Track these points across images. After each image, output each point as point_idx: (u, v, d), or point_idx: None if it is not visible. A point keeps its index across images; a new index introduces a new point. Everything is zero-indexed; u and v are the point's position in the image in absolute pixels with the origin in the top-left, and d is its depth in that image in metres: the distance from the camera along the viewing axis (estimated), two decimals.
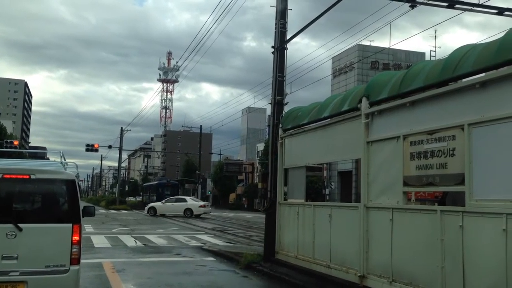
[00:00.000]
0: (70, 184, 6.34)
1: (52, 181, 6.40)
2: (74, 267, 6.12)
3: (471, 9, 10.69)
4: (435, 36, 47.61)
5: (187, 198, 40.92)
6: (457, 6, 10.59)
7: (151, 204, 40.98)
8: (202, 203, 38.65)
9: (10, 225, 5.89)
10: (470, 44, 6.52)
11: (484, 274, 5.45)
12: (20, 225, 5.92)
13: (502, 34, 5.85)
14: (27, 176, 6.17)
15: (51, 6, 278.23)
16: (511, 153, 5.23)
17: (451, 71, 6.21)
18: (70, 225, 6.17)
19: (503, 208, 5.20)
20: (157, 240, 17.50)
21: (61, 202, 6.46)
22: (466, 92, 5.95)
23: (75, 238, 6.17)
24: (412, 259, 6.65)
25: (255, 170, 72.77)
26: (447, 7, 10.60)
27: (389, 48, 38.84)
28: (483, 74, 5.79)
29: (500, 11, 10.93)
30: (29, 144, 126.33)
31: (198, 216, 36.27)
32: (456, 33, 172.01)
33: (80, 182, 9.28)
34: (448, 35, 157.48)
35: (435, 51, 47.57)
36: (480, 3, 10.57)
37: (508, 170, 5.27)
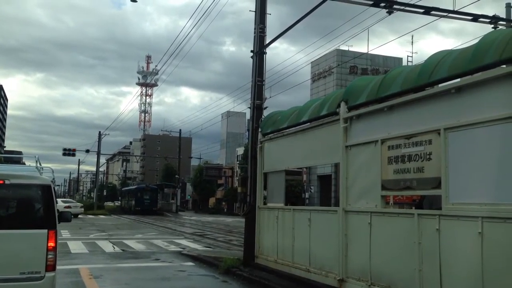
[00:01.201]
0: (46, 189, 6.24)
1: (27, 187, 6.29)
2: (49, 274, 6.02)
3: (446, 15, 10.90)
4: (412, 42, 48.28)
5: (58, 200, 42.94)
6: (433, 12, 10.79)
7: None
8: (67, 204, 40.11)
9: None
10: (446, 50, 6.63)
11: (460, 277, 5.53)
12: None
13: (476, 41, 5.97)
14: (1, 182, 6.05)
15: (27, 8, 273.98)
16: (486, 157, 5.33)
17: (427, 76, 6.31)
18: (45, 231, 6.07)
19: (479, 211, 5.28)
20: (135, 245, 17.31)
21: (36, 208, 6.36)
22: (442, 97, 6.05)
23: (51, 244, 6.07)
24: (390, 262, 6.71)
25: (235, 174, 72.68)
26: (423, 13, 10.78)
27: (367, 53, 39.30)
28: (458, 80, 5.89)
29: (475, 18, 11.17)
30: (4, 149, 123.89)
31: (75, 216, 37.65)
32: (432, 39, 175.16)
33: (56, 187, 9.13)
34: (424, 41, 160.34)
35: (412, 56, 48.29)
36: (455, 9, 10.78)
37: (483, 174, 5.36)
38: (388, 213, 7.00)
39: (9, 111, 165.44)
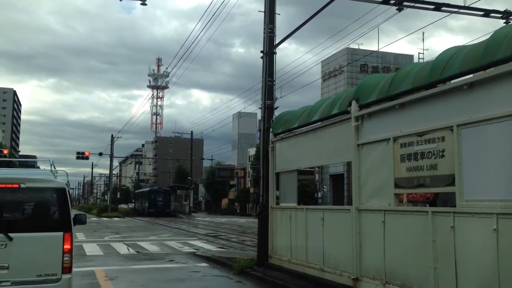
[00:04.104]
0: (61, 192, 6.31)
1: (42, 190, 6.37)
2: (66, 276, 6.09)
3: (457, 11, 10.80)
4: (423, 39, 48.05)
5: None
6: (443, 8, 10.70)
7: None
8: None
9: (1, 235, 5.86)
10: (457, 46, 6.58)
11: (476, 274, 5.49)
12: (11, 234, 5.89)
13: (486, 37, 5.91)
14: (16, 185, 6.14)
15: (39, 16, 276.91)
16: (500, 153, 5.28)
17: (439, 73, 6.27)
18: (61, 233, 6.14)
19: (493, 208, 5.24)
20: (150, 247, 17.41)
21: (51, 211, 6.43)
22: (454, 93, 6.00)
23: (67, 246, 6.14)
24: (405, 260, 6.68)
25: (247, 175, 72.73)
26: (434, 9, 10.69)
27: (377, 51, 39.08)
28: (470, 75, 5.84)
29: (486, 13, 11.06)
30: (19, 153, 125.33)
31: None
32: (442, 37, 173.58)
33: (71, 190, 9.22)
34: (433, 39, 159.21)
35: (423, 53, 47.96)
36: (466, 5, 10.69)
37: (497, 170, 5.31)
38: (402, 211, 6.97)
39: (23, 116, 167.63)
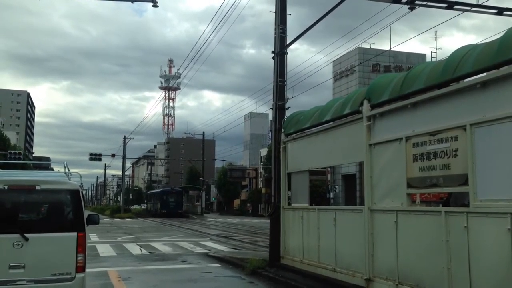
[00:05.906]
0: (74, 194, 6.48)
1: (57, 192, 6.53)
2: (79, 275, 6.27)
3: (470, 9, 10.71)
4: (436, 38, 47.63)
5: None
6: (456, 7, 10.61)
7: None
8: None
9: (17, 235, 6.03)
10: (470, 45, 6.53)
11: (490, 274, 5.44)
12: (27, 234, 6.07)
13: (498, 36, 5.86)
14: (32, 187, 6.30)
15: (52, 19, 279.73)
16: None
17: (451, 71, 6.22)
18: (75, 233, 6.30)
19: (508, 207, 5.19)
20: (162, 247, 17.51)
21: (66, 212, 6.58)
22: (468, 92, 5.96)
23: (80, 246, 6.30)
24: (418, 261, 6.64)
25: (259, 175, 72.73)
26: (446, 8, 10.62)
27: (389, 50, 38.84)
28: (484, 74, 5.80)
29: (500, 11, 10.95)
30: (33, 155, 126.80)
31: None
32: (454, 36, 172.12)
33: (84, 192, 9.36)
34: (445, 38, 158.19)
35: (436, 52, 47.54)
36: (479, 3, 10.59)
37: (511, 169, 5.26)
38: (414, 211, 6.93)
39: (37, 118, 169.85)
